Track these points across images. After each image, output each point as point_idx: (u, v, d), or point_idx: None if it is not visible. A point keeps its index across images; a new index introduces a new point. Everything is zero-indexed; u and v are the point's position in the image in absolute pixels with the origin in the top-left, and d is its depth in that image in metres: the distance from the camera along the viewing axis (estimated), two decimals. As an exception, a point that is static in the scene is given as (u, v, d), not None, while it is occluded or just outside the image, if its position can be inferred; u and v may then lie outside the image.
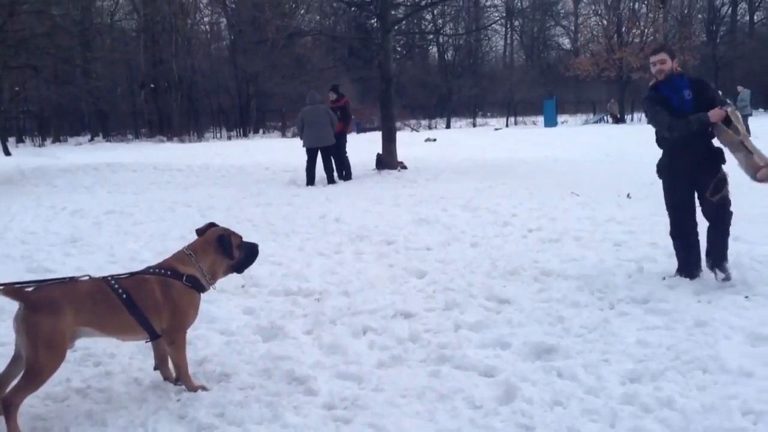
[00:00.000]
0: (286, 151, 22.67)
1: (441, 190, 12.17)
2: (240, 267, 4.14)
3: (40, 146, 39.15)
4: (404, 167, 16.06)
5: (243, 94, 47.30)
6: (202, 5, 51.96)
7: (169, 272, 3.80)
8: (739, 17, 59.29)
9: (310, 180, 14.09)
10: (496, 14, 48.23)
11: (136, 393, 3.90)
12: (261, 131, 47.29)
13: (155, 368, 4.07)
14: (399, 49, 47.71)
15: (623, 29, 48.63)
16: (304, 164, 14.30)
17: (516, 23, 63.83)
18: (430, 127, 48.05)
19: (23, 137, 43.50)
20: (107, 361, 4.39)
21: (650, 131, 5.94)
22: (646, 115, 5.80)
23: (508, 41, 67.62)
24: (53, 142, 42.35)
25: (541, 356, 4.28)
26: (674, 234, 5.87)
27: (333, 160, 14.49)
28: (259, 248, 4.26)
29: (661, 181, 5.93)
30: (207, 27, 54.66)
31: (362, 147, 19.42)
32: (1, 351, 4.37)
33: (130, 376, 4.15)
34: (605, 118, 45.80)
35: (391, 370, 4.16)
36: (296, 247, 7.87)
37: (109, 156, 23.65)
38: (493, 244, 7.64)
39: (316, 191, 12.98)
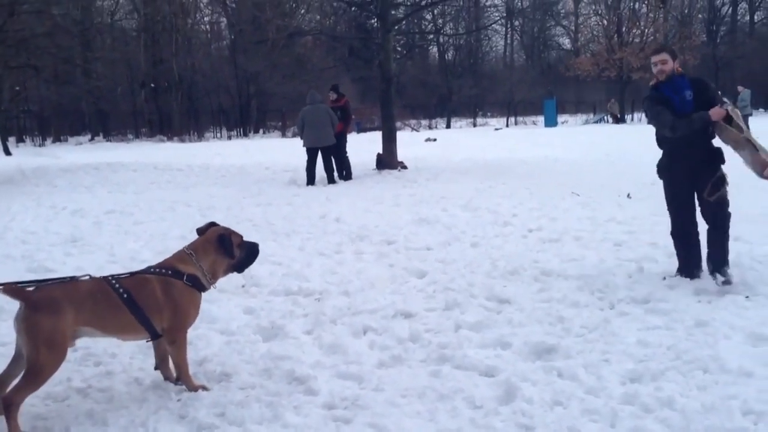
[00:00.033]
0: (286, 151, 22.67)
1: (441, 190, 12.17)
2: (240, 266, 4.14)
3: (40, 146, 39.17)
4: (404, 167, 16.06)
5: (243, 93, 47.31)
6: (203, 5, 52.03)
7: (169, 272, 3.80)
8: (739, 17, 59.30)
9: (311, 180, 14.10)
10: (497, 14, 48.25)
11: (137, 393, 3.90)
12: (261, 131, 47.29)
13: (156, 368, 4.07)
14: (399, 48, 47.69)
15: (623, 29, 48.62)
16: (305, 164, 14.31)
17: (516, 23, 63.89)
18: (430, 127, 48.05)
19: (24, 137, 43.53)
20: (108, 360, 4.39)
21: (650, 131, 5.93)
22: (647, 115, 5.78)
23: (509, 41, 67.70)
24: (53, 141, 42.37)
25: (542, 356, 4.28)
26: (675, 234, 5.87)
27: (333, 160, 14.50)
28: (260, 248, 4.26)
29: (661, 182, 5.93)
30: (207, 26, 54.72)
31: (362, 147, 19.43)
32: (1, 351, 4.37)
33: (130, 375, 4.15)
34: (605, 118, 45.81)
35: (391, 369, 4.16)
36: (296, 246, 7.88)
37: (110, 156, 23.66)
38: (493, 244, 7.64)
39: (317, 191, 12.98)
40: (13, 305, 3.52)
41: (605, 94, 51.02)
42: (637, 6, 51.45)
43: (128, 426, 3.49)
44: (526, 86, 53.16)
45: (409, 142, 25.27)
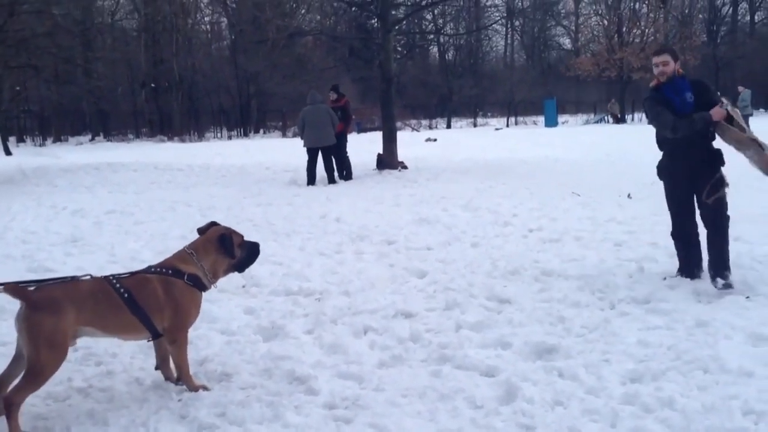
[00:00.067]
0: (286, 151, 22.67)
1: (442, 190, 12.17)
2: (241, 266, 4.14)
3: (40, 146, 39.19)
4: (405, 167, 16.06)
5: (244, 93, 47.33)
6: (203, 5, 52.04)
7: (170, 271, 3.81)
8: (739, 17, 59.28)
9: (311, 180, 14.10)
10: (497, 14, 48.20)
11: (138, 392, 3.90)
12: (261, 131, 47.30)
13: (156, 368, 4.07)
14: (400, 49, 47.76)
15: (624, 29, 48.62)
16: (305, 164, 14.31)
17: (517, 23, 63.87)
18: (430, 127, 48.03)
19: (24, 137, 43.57)
20: (109, 360, 4.39)
21: (651, 131, 5.93)
22: (647, 116, 5.75)
23: (509, 41, 67.68)
24: (54, 141, 42.39)
25: (542, 356, 4.28)
26: (675, 235, 5.86)
27: (334, 160, 14.49)
28: (260, 248, 4.26)
29: (661, 182, 5.93)
30: (208, 27, 54.74)
31: (363, 147, 19.44)
32: (2, 350, 4.37)
33: (131, 375, 4.15)
34: (606, 118, 45.79)
35: (392, 369, 4.16)
36: (297, 246, 7.88)
37: (110, 156, 23.66)
38: (493, 244, 7.65)
39: (317, 191, 12.98)
40: (14, 305, 3.53)
41: (606, 94, 51.03)
42: (637, 6, 51.52)
43: (129, 426, 3.49)
44: (527, 86, 53.16)
45: (410, 142, 25.27)
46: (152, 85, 46.60)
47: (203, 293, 3.97)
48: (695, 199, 5.64)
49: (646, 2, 50.24)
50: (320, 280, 6.30)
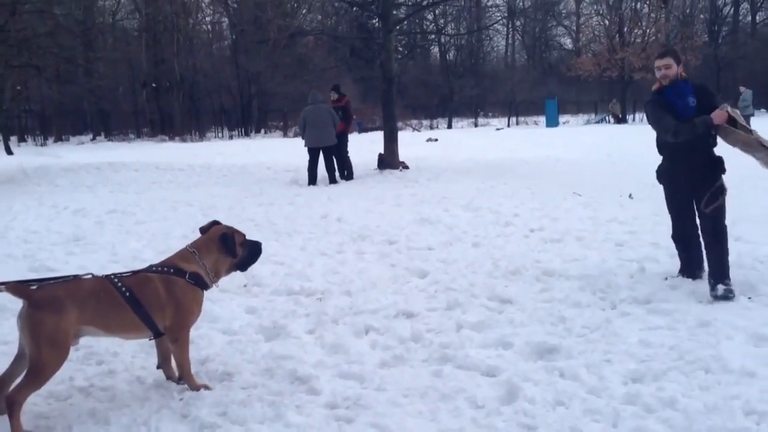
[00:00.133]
0: (287, 151, 22.68)
1: (443, 190, 12.17)
2: (243, 265, 4.14)
3: (42, 145, 39.22)
4: (406, 167, 16.06)
5: (245, 93, 47.31)
6: (204, 5, 52.07)
7: (172, 270, 3.81)
8: (741, 17, 59.25)
9: (312, 180, 14.10)
10: (498, 14, 48.43)
11: (139, 392, 3.90)
12: (263, 131, 47.29)
13: (158, 367, 4.08)
14: (401, 49, 47.70)
15: (625, 29, 48.56)
16: (306, 164, 14.31)
17: (518, 23, 63.92)
18: (431, 127, 48.00)
19: (25, 136, 43.60)
20: (110, 359, 4.39)
21: (652, 132, 5.91)
22: (649, 120, 5.68)
23: (510, 41, 67.71)
24: (55, 141, 42.42)
25: (543, 356, 4.28)
26: (675, 237, 5.85)
27: (335, 160, 14.50)
28: (262, 247, 4.26)
29: (661, 185, 5.90)
30: (209, 26, 54.74)
31: (364, 147, 19.44)
32: (4, 350, 4.38)
33: (132, 374, 4.15)
34: (607, 118, 45.76)
35: (393, 369, 4.16)
36: (298, 246, 7.88)
37: (111, 155, 23.67)
38: (495, 244, 7.64)
39: (318, 191, 12.98)
40: (16, 304, 3.53)
41: (607, 94, 50.98)
42: (638, 6, 51.41)
43: (130, 425, 3.49)
44: (528, 86, 53.14)
45: (411, 142, 25.26)
46: (153, 84, 46.60)
47: (205, 292, 3.98)
48: (695, 203, 5.59)
49: (648, 2, 50.17)
50: (322, 280, 6.30)
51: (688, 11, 54.90)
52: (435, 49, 62.01)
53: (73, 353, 3.85)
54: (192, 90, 47.89)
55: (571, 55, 59.42)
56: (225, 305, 5.51)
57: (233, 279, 5.39)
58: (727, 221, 5.53)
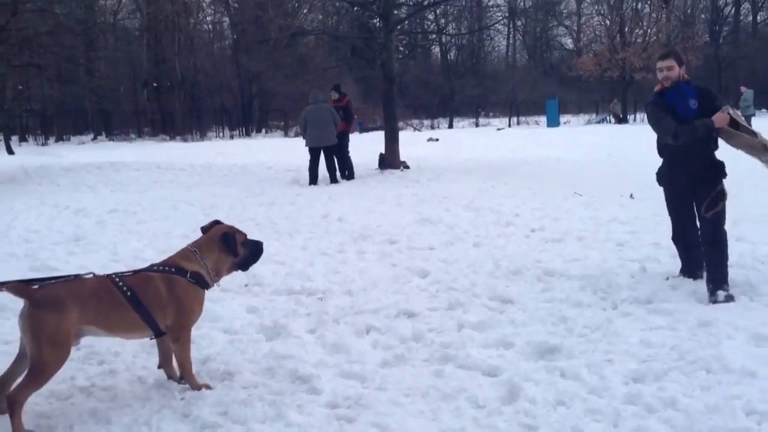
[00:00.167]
0: (288, 151, 22.68)
1: (444, 189, 12.17)
2: (244, 264, 4.14)
3: (43, 145, 39.27)
4: (407, 167, 16.06)
5: (246, 93, 47.34)
6: (205, 4, 52.14)
7: (173, 269, 3.81)
8: (742, 17, 59.28)
9: (313, 179, 14.10)
10: (499, 14, 48.39)
11: (140, 391, 3.91)
12: (263, 130, 47.32)
13: (159, 366, 4.08)
14: (402, 48, 47.66)
15: (626, 29, 48.50)
16: (307, 163, 14.31)
17: (519, 23, 63.89)
18: (432, 127, 48.03)
19: (26, 136, 43.64)
20: (111, 359, 4.39)
21: (653, 132, 5.89)
22: (649, 121, 5.63)
23: (511, 41, 67.73)
24: (56, 140, 42.45)
25: (545, 356, 4.28)
26: (676, 239, 5.81)
27: (336, 160, 14.49)
28: (263, 246, 4.26)
29: (661, 187, 5.88)
30: (210, 26, 54.81)
31: (365, 146, 19.43)
32: (5, 349, 4.38)
33: (134, 374, 4.15)
34: (608, 118, 45.75)
35: (394, 369, 4.17)
36: (299, 246, 7.88)
37: (112, 155, 23.69)
38: (496, 243, 7.64)
39: (319, 191, 12.98)
40: (17, 303, 3.53)
41: (608, 94, 50.96)
42: (639, 6, 51.42)
43: (132, 424, 3.49)
44: (529, 86, 53.14)
45: (412, 141, 25.25)
46: (154, 84, 46.65)
47: (206, 291, 3.98)
48: (695, 207, 5.55)
49: (649, 2, 50.16)
50: (323, 280, 6.30)
51: (689, 11, 54.91)
52: (436, 49, 62.08)
53: (74, 353, 3.85)
54: (193, 89, 47.92)
55: (572, 55, 59.40)
56: (226, 305, 5.51)
57: (234, 278, 5.39)
58: (728, 221, 5.52)
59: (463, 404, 3.63)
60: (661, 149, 5.71)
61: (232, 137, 44.12)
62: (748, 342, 4.30)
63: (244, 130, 46.53)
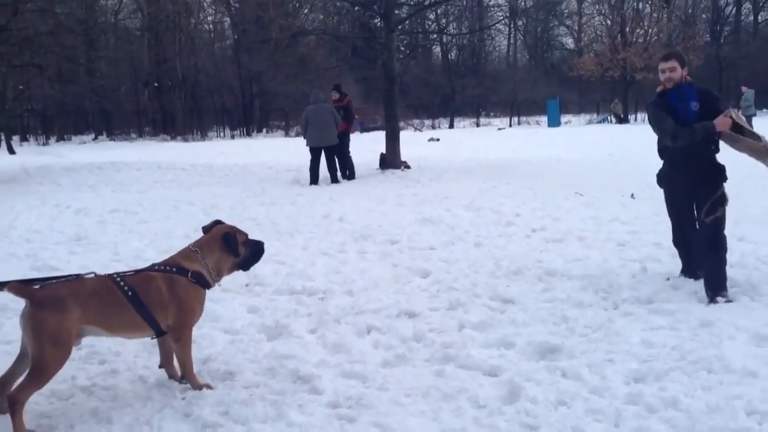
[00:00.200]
0: (289, 150, 22.69)
1: (444, 189, 12.17)
2: (245, 264, 4.14)
3: (44, 145, 39.30)
4: (408, 167, 16.06)
5: (246, 93, 47.37)
6: (206, 4, 52.17)
7: (174, 269, 3.81)
8: (743, 17, 59.22)
9: (314, 179, 14.10)
10: (500, 14, 48.34)
11: (141, 391, 3.91)
12: (264, 130, 47.36)
13: (160, 366, 4.08)
14: (402, 48, 47.65)
15: (627, 29, 48.49)
16: (308, 163, 14.32)
17: (519, 23, 63.88)
18: (433, 127, 48.06)
19: (27, 136, 43.71)
20: (112, 359, 4.39)
21: (654, 133, 5.88)
22: (650, 122, 5.58)
23: (512, 41, 67.72)
24: (57, 140, 42.50)
25: (546, 356, 4.28)
26: (676, 241, 5.79)
27: (336, 160, 14.50)
28: (264, 246, 4.26)
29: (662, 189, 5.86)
30: (210, 26, 54.87)
31: (366, 146, 19.43)
32: (6, 349, 4.38)
33: (135, 374, 4.16)
34: (609, 118, 45.75)
35: (395, 369, 4.16)
36: (300, 246, 7.88)
37: (113, 155, 23.71)
38: (496, 243, 7.64)
39: (320, 190, 12.98)
40: (19, 303, 3.53)
41: (609, 94, 50.97)
42: (640, 6, 51.39)
43: (133, 424, 3.49)
44: (530, 86, 53.13)
45: (413, 141, 25.26)
46: (155, 84, 46.69)
47: (207, 291, 3.98)
48: (695, 209, 5.51)
49: (650, 2, 50.15)
50: (323, 280, 6.30)
51: (690, 11, 54.88)
52: (437, 49, 62.12)
53: (75, 352, 3.85)
54: (194, 89, 47.96)
55: (572, 54, 59.40)
56: (227, 304, 5.51)
57: (235, 278, 5.40)
58: (729, 221, 5.52)
59: (464, 404, 3.63)
60: (662, 151, 5.68)
61: (233, 137, 44.15)
62: (750, 342, 4.29)
63: (245, 129, 46.56)
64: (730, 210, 5.46)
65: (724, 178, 5.41)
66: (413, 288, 5.99)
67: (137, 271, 3.84)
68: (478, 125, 50.27)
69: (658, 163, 5.84)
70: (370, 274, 6.46)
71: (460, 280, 6.07)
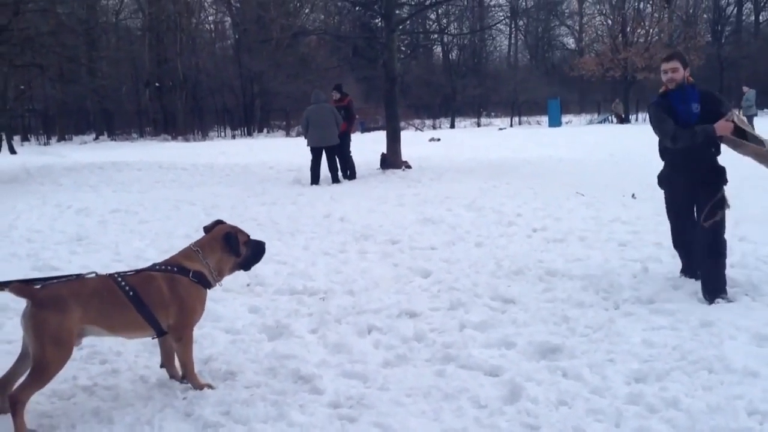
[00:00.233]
0: (290, 150, 22.69)
1: (445, 189, 12.17)
2: (247, 264, 4.14)
3: (45, 145, 39.34)
4: (409, 167, 16.06)
5: (247, 93, 47.39)
6: (207, 4, 52.18)
7: (175, 268, 3.81)
8: (744, 17, 59.22)
9: (315, 179, 14.10)
10: (501, 14, 48.42)
11: (143, 391, 3.91)
12: (265, 130, 47.39)
13: (161, 366, 4.08)
14: (403, 48, 47.67)
15: (628, 29, 48.50)
16: (309, 163, 14.32)
17: (520, 23, 63.89)
18: (434, 127, 48.06)
19: (28, 136, 43.75)
20: (113, 359, 4.40)
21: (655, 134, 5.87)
22: (651, 122, 5.55)
23: (513, 41, 67.72)
24: (58, 140, 42.53)
25: (546, 356, 4.28)
26: (675, 243, 5.77)
27: (337, 160, 14.50)
28: (266, 246, 4.26)
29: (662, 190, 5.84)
30: (212, 26, 54.92)
31: (367, 146, 19.44)
32: (8, 348, 4.39)
33: (136, 373, 4.16)
34: (610, 118, 45.75)
35: (396, 369, 4.17)
36: (301, 246, 7.89)
37: (114, 155, 23.72)
38: (497, 243, 7.64)
39: (321, 190, 12.98)
40: (20, 303, 3.54)
41: (609, 94, 50.97)
42: (641, 6, 51.36)
43: (134, 424, 3.49)
44: (530, 86, 53.12)
45: (413, 141, 25.26)
46: (156, 84, 46.71)
47: (208, 291, 3.98)
48: (695, 214, 5.46)
49: (651, 2, 50.14)
50: (324, 280, 6.30)
51: (691, 11, 54.86)
52: (438, 49, 62.09)
53: (76, 352, 3.85)
54: (195, 89, 47.99)
55: (573, 54, 59.37)
56: (228, 304, 5.52)
57: (236, 278, 5.41)
58: (730, 222, 5.51)
59: (464, 404, 3.63)
60: (663, 152, 5.64)
61: (233, 137, 44.16)
62: (750, 342, 4.29)
63: (245, 129, 46.58)
64: (730, 210, 5.44)
65: (725, 181, 5.37)
66: (414, 288, 5.99)
67: (138, 271, 3.85)
68: (479, 125, 50.28)
69: (659, 164, 5.82)
70: (371, 274, 6.46)
71: (461, 280, 6.07)
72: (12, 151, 29.12)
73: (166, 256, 4.10)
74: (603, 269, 6.28)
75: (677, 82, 5.36)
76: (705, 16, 57.50)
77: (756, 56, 50.09)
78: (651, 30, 47.79)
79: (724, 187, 5.37)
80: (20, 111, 41.80)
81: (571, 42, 66.22)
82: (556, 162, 17.07)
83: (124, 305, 3.61)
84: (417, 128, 44.16)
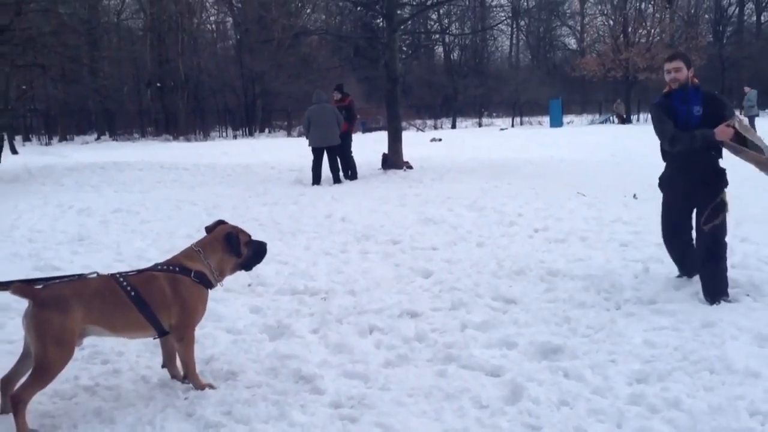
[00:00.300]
0: (291, 151, 22.70)
1: (447, 189, 12.17)
2: (248, 265, 4.15)
3: (46, 145, 39.34)
4: (410, 167, 16.06)
5: (249, 93, 47.38)
6: (209, 4, 52.19)
7: (177, 268, 3.82)
8: (746, 17, 59.16)
9: (316, 179, 14.11)
10: (502, 14, 48.29)
11: (144, 391, 3.91)
12: (267, 130, 47.40)
13: (163, 366, 4.09)
14: (405, 48, 47.66)
15: (629, 29, 48.49)
16: (310, 163, 14.33)
17: (522, 23, 63.88)
18: (435, 127, 48.06)
19: (30, 136, 43.74)
20: (115, 359, 4.40)
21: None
22: (652, 122, 5.52)
23: (514, 41, 67.71)
24: (60, 140, 42.53)
25: (548, 356, 4.28)
26: (669, 243, 5.72)
27: (339, 160, 14.50)
28: (267, 247, 4.26)
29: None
30: (213, 26, 54.90)
31: (368, 147, 19.45)
32: (9, 348, 4.39)
33: (137, 374, 4.16)
34: (611, 118, 45.71)
35: (397, 369, 4.17)
36: (302, 246, 7.89)
37: (116, 155, 23.72)
38: (499, 244, 7.64)
39: (322, 190, 12.99)
40: (21, 303, 3.54)
41: (611, 94, 50.95)
42: (643, 6, 51.35)
43: (135, 424, 3.50)
44: (532, 86, 53.10)
45: (415, 141, 25.27)
46: (158, 84, 46.74)
47: (209, 291, 3.98)
48: (695, 217, 5.42)
49: (652, 2, 50.16)
50: (326, 280, 6.31)
51: (692, 11, 54.80)
52: (439, 49, 62.10)
53: (78, 352, 3.85)
54: (196, 89, 47.99)
55: (575, 55, 59.39)
56: (229, 304, 5.52)
57: (238, 278, 5.41)
58: (731, 222, 5.50)
59: (466, 404, 3.63)
60: (664, 153, 5.60)
61: (235, 137, 44.17)
62: (752, 342, 4.29)
63: (247, 130, 46.58)
64: (731, 209, 5.43)
65: (725, 183, 5.33)
66: (415, 288, 5.99)
67: (140, 271, 3.85)
68: (480, 125, 50.27)
69: (661, 164, 5.80)
70: (372, 274, 6.46)
71: (462, 280, 6.07)
72: (14, 151, 29.12)
73: (168, 256, 4.11)
74: (604, 269, 6.28)
75: (680, 82, 5.32)
76: (706, 16, 57.46)
77: (757, 56, 50.04)
78: (652, 30, 47.78)
79: (725, 190, 5.33)
80: (22, 111, 41.79)
81: (572, 42, 66.31)
82: (557, 162, 17.07)
83: (126, 305, 3.61)
84: (418, 128, 44.14)
